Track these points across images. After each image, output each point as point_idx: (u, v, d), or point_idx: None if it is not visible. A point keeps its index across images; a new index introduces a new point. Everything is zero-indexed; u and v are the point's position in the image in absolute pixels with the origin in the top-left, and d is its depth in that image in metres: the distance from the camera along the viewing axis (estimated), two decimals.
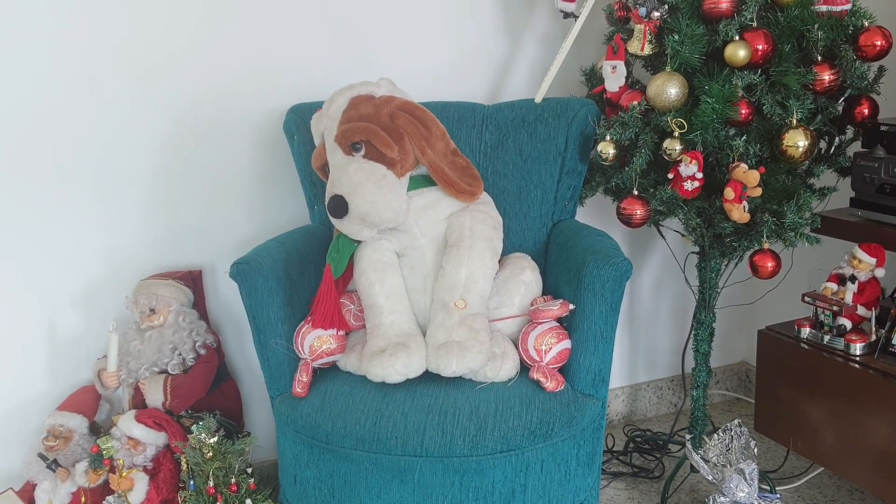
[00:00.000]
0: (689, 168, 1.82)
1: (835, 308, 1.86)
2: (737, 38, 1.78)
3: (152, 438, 1.97)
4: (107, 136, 2.08)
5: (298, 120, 2.09)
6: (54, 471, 1.97)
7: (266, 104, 2.20)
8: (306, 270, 1.95)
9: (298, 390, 1.79)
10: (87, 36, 2.01)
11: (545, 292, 1.96)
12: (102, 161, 2.09)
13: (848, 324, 1.85)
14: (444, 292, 1.81)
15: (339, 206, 1.79)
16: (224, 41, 2.13)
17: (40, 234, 2.06)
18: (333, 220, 1.84)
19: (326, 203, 1.83)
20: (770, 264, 1.86)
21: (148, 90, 2.09)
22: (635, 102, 1.90)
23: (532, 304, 1.89)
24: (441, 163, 1.90)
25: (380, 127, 1.84)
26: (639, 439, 2.54)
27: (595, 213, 2.43)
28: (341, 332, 1.87)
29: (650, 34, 1.90)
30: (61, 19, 1.99)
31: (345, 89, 1.92)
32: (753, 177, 1.78)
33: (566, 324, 1.84)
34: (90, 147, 2.07)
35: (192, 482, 1.88)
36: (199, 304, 2.15)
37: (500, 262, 1.93)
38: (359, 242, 1.90)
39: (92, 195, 2.09)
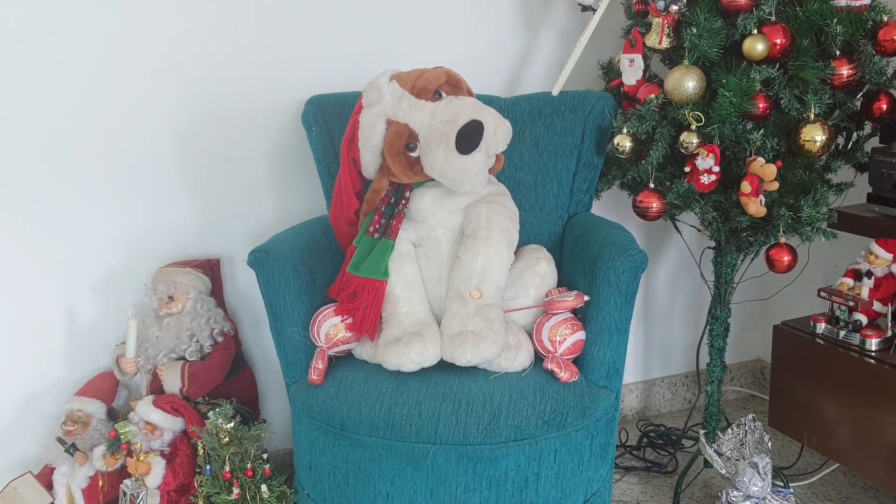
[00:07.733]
0: (706, 161, 1.82)
1: (851, 303, 1.86)
2: (755, 31, 1.78)
3: (169, 423, 1.99)
4: (128, 127, 2.10)
5: (316, 111, 2.10)
6: (72, 455, 1.99)
7: (284, 95, 2.21)
8: (323, 259, 1.97)
9: (314, 377, 1.81)
10: (113, 30, 2.04)
11: (560, 284, 1.97)
12: (123, 151, 2.11)
13: (864, 319, 1.85)
14: (459, 282, 1.82)
15: (478, 127, 1.75)
16: (243, 33, 2.15)
17: (60, 221, 2.09)
18: (456, 158, 1.75)
19: (458, 132, 1.74)
20: (786, 258, 1.86)
21: (167, 82, 2.11)
22: (652, 96, 1.90)
23: (547, 296, 1.89)
24: None
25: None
26: (652, 434, 2.54)
27: (611, 207, 2.43)
28: None
29: (668, 28, 1.90)
30: (95, 19, 2.02)
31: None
32: (770, 171, 1.78)
33: (581, 315, 1.85)
34: (112, 137, 2.09)
35: (208, 467, 1.90)
36: (216, 293, 2.17)
37: (515, 253, 1.94)
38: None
39: (112, 184, 2.12)
